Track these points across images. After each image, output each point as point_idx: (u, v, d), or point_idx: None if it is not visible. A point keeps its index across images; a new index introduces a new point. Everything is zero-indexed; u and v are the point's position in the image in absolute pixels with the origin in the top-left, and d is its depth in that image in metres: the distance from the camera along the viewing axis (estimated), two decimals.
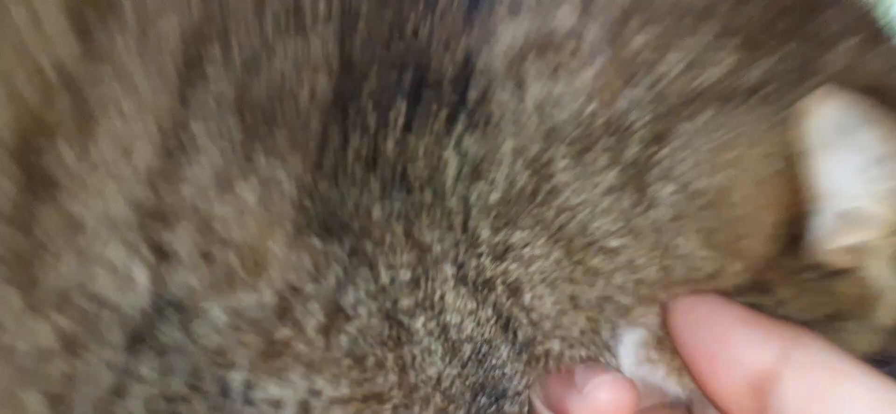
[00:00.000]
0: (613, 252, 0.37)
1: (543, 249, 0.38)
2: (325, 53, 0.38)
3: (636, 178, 0.36)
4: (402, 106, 0.38)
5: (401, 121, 0.38)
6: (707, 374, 0.35)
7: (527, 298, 0.38)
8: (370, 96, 0.38)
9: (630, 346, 0.39)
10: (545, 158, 0.37)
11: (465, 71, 0.39)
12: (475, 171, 0.38)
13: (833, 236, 0.35)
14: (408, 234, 0.38)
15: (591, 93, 0.37)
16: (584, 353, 0.39)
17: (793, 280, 0.36)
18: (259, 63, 0.38)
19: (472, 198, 0.38)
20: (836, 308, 0.37)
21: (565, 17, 0.38)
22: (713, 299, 0.36)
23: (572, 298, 0.38)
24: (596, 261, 0.37)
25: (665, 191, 0.36)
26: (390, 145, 0.38)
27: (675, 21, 0.37)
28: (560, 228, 0.37)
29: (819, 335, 0.34)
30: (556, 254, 0.38)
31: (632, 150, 0.36)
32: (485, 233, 0.38)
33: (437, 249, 0.38)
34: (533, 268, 0.38)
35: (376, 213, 0.38)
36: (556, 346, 0.39)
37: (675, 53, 0.36)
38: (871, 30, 0.39)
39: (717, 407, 0.36)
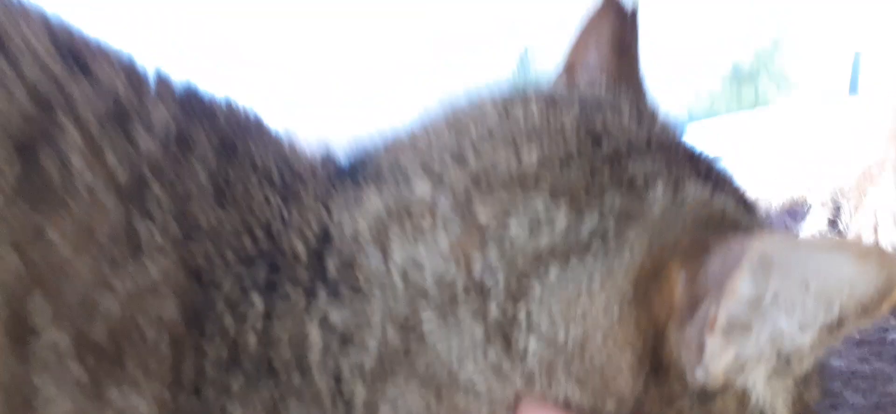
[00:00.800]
0: (479, 394, 0.39)
1: (415, 395, 0.39)
2: (166, 277, 0.39)
3: (502, 334, 0.38)
4: (258, 301, 0.39)
5: (259, 319, 0.39)
6: None
7: None
8: (226, 302, 0.39)
9: None
10: (413, 321, 0.39)
11: (321, 246, 0.41)
12: (346, 340, 0.39)
13: (706, 358, 0.37)
14: None
15: (447, 259, 0.39)
16: None
17: (671, 408, 0.38)
18: (94, 302, 0.38)
19: (345, 368, 0.39)
20: None
21: (420, 189, 0.41)
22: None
23: None
24: (463, 402, 0.39)
25: (531, 345, 0.38)
26: (253, 341, 0.39)
27: (511, 193, 0.40)
28: (431, 376, 0.39)
29: None
30: (428, 398, 0.39)
31: (493, 310, 0.38)
32: (360, 395, 0.39)
33: None
34: (407, 411, 0.39)
35: (256, 407, 0.39)
36: None
37: (515, 221, 0.39)
38: (679, 170, 0.41)
39: None
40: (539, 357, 0.38)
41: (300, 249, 0.41)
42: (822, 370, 0.43)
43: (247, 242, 0.41)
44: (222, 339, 0.39)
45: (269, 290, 0.40)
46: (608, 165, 0.40)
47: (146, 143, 0.41)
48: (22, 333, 0.37)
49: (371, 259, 0.40)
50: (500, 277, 0.39)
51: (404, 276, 0.39)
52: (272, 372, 0.39)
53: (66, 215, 0.38)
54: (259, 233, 0.41)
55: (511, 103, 0.45)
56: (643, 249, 0.38)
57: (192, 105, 0.43)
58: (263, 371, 0.39)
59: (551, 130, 0.42)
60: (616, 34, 0.51)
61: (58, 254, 0.38)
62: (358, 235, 0.41)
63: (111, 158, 0.40)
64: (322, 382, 0.39)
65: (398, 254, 0.40)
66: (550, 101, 0.45)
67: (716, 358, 0.37)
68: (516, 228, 0.39)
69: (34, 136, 0.39)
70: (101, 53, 0.42)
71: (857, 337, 1.11)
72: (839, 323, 0.35)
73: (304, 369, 0.39)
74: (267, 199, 0.42)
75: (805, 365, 0.39)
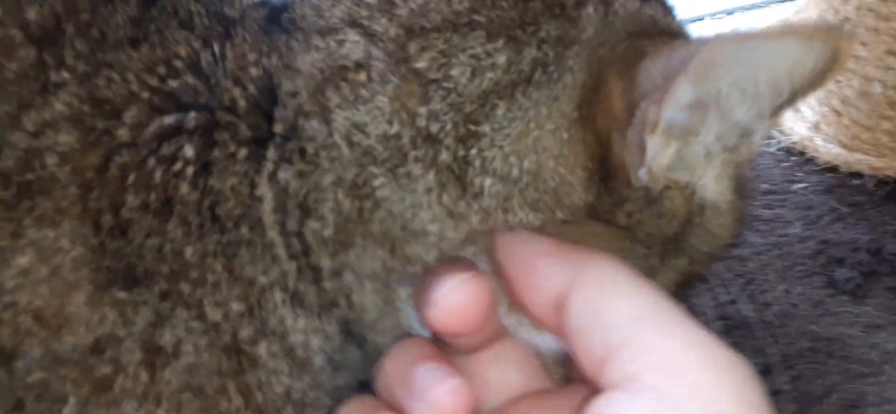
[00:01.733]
0: (428, 236, 0.40)
1: (373, 254, 0.40)
2: (69, 110, 0.38)
3: (456, 178, 0.39)
4: (189, 150, 0.39)
5: (191, 168, 0.39)
6: (523, 299, 0.39)
7: (355, 297, 0.41)
8: (143, 147, 0.39)
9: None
10: (362, 181, 0.39)
11: (265, 103, 0.40)
12: (304, 208, 0.39)
13: (648, 158, 0.38)
14: (229, 270, 0.39)
15: (390, 115, 0.39)
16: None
17: (622, 210, 0.39)
18: (4, 142, 0.38)
19: (309, 236, 0.39)
20: (677, 225, 0.40)
21: (351, 46, 0.40)
22: (522, 234, 0.39)
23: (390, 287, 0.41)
24: (416, 250, 0.40)
25: (488, 183, 0.39)
26: (185, 190, 0.39)
27: (447, 39, 0.39)
28: (385, 233, 0.39)
29: (609, 257, 0.38)
30: (383, 255, 0.40)
31: (444, 156, 0.39)
32: (325, 263, 0.40)
33: (262, 280, 0.40)
34: (362, 270, 0.40)
35: (188, 255, 0.39)
36: (386, 338, 0.42)
37: (457, 67, 0.39)
38: None
39: (537, 324, 0.40)
40: (495, 193, 0.39)
41: (239, 100, 0.40)
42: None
43: (172, 80, 0.40)
44: (142, 179, 0.39)
45: (203, 137, 0.39)
46: None
47: None
48: None
49: (314, 126, 0.39)
50: (448, 122, 0.39)
51: (349, 140, 0.39)
52: (216, 221, 0.39)
53: None
54: (187, 78, 0.40)
55: None
56: (582, 68, 0.39)
57: None
58: (206, 220, 0.39)
59: None
60: None
61: None
62: (298, 99, 0.40)
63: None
64: (277, 238, 0.40)
65: (339, 119, 0.39)
66: None
67: (657, 158, 0.37)
68: (458, 72, 0.39)
69: None
70: None
71: (765, 185, 1.20)
72: (788, 101, 0.36)
73: (253, 224, 0.39)
74: (190, 43, 0.41)
75: (753, 149, 0.39)
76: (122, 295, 0.38)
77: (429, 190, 0.39)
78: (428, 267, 0.40)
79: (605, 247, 0.39)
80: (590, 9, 0.39)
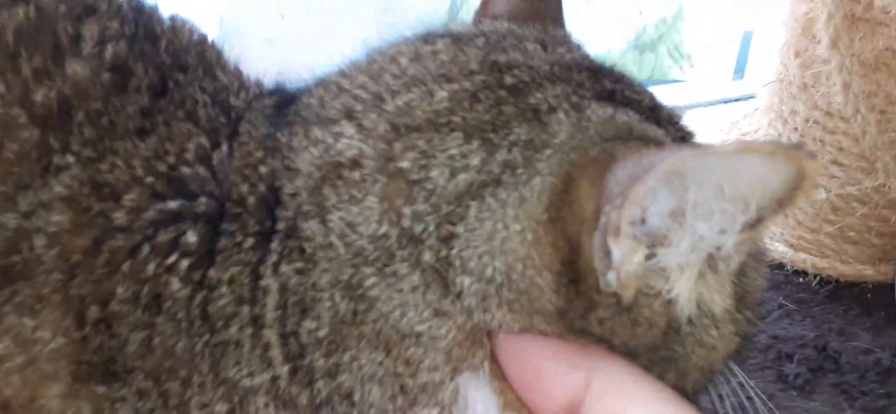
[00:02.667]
0: (421, 336, 0.40)
1: (369, 356, 0.40)
2: (66, 192, 0.38)
3: (438, 277, 0.40)
4: (193, 237, 0.39)
5: (189, 259, 0.39)
6: (531, 403, 0.40)
7: (357, 397, 0.40)
8: (138, 233, 0.38)
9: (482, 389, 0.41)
10: (356, 281, 0.40)
11: (270, 197, 0.40)
12: (302, 307, 0.39)
13: (614, 262, 0.38)
14: (215, 371, 0.39)
15: (380, 215, 0.40)
16: None
17: (594, 316, 0.39)
18: None
19: (304, 336, 0.40)
20: (657, 335, 0.40)
21: (348, 146, 0.41)
22: (527, 338, 0.40)
23: (402, 386, 0.40)
24: (411, 352, 0.40)
25: (467, 282, 0.39)
26: (177, 284, 0.38)
27: (427, 136, 0.40)
28: (378, 334, 0.40)
29: (620, 358, 0.38)
30: (380, 357, 0.40)
31: (427, 256, 0.40)
32: (319, 363, 0.40)
33: (245, 384, 0.39)
34: (362, 373, 0.40)
35: (178, 352, 0.38)
36: None
37: (436, 168, 0.40)
38: (581, 93, 0.42)
39: None
40: (474, 291, 0.39)
41: (249, 197, 0.40)
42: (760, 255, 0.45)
43: (180, 169, 0.40)
44: (134, 268, 0.38)
45: (210, 227, 0.39)
46: (513, 98, 0.41)
47: (75, 70, 0.40)
48: None
49: (313, 227, 0.40)
50: (430, 222, 0.39)
51: (343, 240, 0.40)
52: (206, 319, 0.39)
53: None
54: (197, 167, 0.40)
55: (421, 45, 0.45)
56: (553, 171, 0.39)
57: (136, 27, 0.43)
58: (196, 318, 0.38)
59: (458, 68, 0.42)
60: None
61: None
62: (297, 199, 0.40)
63: (30, 79, 0.39)
64: (274, 338, 0.39)
65: (335, 219, 0.40)
66: (456, 38, 0.45)
67: (623, 263, 0.37)
68: (437, 173, 0.40)
69: None
70: None
71: None
72: (758, 220, 0.36)
73: (244, 324, 0.39)
74: (198, 137, 0.41)
75: (732, 265, 0.40)
76: (100, 390, 0.38)
77: (414, 289, 0.39)
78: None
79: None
80: (561, 115, 0.40)
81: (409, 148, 0.40)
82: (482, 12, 0.52)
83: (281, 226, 0.40)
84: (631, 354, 0.40)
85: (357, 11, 0.94)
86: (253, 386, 0.39)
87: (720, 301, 0.41)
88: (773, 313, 1.10)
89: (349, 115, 0.42)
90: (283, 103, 0.45)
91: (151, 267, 0.38)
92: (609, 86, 0.44)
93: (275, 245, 0.40)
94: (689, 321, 0.41)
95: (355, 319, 0.40)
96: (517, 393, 0.40)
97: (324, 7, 0.94)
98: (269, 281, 0.40)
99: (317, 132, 0.42)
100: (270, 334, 0.39)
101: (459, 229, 0.39)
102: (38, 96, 0.39)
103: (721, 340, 0.42)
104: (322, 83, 0.46)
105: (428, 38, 0.47)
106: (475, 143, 0.40)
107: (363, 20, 0.97)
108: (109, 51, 0.41)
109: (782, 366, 1.00)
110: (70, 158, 0.39)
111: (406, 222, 0.40)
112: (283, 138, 0.42)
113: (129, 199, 0.39)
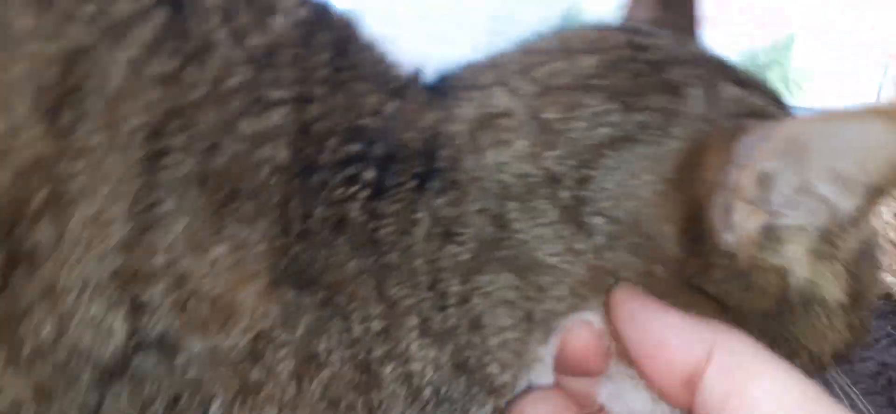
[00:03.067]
0: (553, 268, 0.44)
1: (504, 280, 0.44)
2: (282, 127, 0.43)
3: (573, 215, 0.44)
4: (371, 173, 0.43)
5: (367, 190, 0.43)
6: (647, 370, 0.41)
7: (486, 320, 0.44)
8: (333, 168, 0.43)
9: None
10: (502, 212, 0.44)
11: (433, 143, 0.45)
12: (446, 234, 0.44)
13: (734, 223, 0.41)
14: (378, 290, 0.43)
15: (526, 157, 0.45)
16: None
17: (711, 275, 0.42)
18: (220, 143, 0.42)
19: (444, 262, 0.44)
20: (770, 303, 0.43)
21: (501, 99, 0.47)
22: (650, 307, 0.42)
23: (528, 312, 0.44)
24: (544, 280, 0.44)
25: (596, 221, 0.44)
26: (356, 212, 0.43)
27: (571, 98, 0.46)
28: (515, 260, 0.44)
29: (744, 334, 0.39)
30: (515, 282, 0.44)
31: (564, 194, 0.44)
32: (454, 288, 0.44)
33: (403, 304, 0.43)
34: (494, 297, 0.44)
35: (349, 270, 0.42)
36: (504, 370, 0.45)
37: (578, 121, 0.45)
38: (714, 75, 0.47)
39: (659, 396, 0.42)
40: (604, 231, 0.43)
41: (414, 140, 0.45)
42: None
43: (361, 120, 0.45)
44: (328, 203, 0.43)
45: (382, 168, 0.44)
46: (652, 71, 0.46)
47: (279, 22, 0.45)
48: (157, 150, 0.41)
49: (469, 161, 0.45)
50: (569, 165, 0.44)
51: (495, 176, 0.45)
52: (375, 243, 0.43)
53: (207, 63, 0.43)
54: (372, 118, 0.45)
55: (569, 30, 0.52)
56: (684, 137, 0.43)
57: (317, 8, 0.48)
58: (368, 241, 0.43)
59: (603, 44, 0.48)
60: None
61: (196, 94, 0.42)
62: (457, 140, 0.46)
63: (245, 27, 0.44)
64: (422, 265, 0.44)
65: (490, 157, 0.45)
66: (601, 24, 0.52)
67: (743, 223, 0.41)
68: (579, 123, 0.45)
69: None
70: None
71: None
72: (877, 188, 0.38)
73: (404, 250, 0.43)
74: (374, 91, 0.46)
75: (848, 243, 0.42)
76: (289, 294, 0.42)
77: (552, 223, 0.44)
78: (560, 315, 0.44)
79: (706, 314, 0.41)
80: (695, 90, 0.45)
81: (555, 103, 0.46)
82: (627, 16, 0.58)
83: (442, 164, 0.45)
84: (743, 321, 0.41)
85: (468, 19, 0.96)
86: (406, 307, 0.43)
87: (834, 291, 0.43)
88: (881, 341, 1.07)
89: (500, 82, 0.47)
90: (433, 81, 0.50)
91: (338, 193, 0.43)
92: (740, 74, 0.48)
93: (432, 183, 0.44)
94: (803, 301, 0.42)
95: (498, 244, 0.44)
96: (634, 359, 0.41)
97: (435, 14, 0.97)
98: (422, 214, 0.44)
99: (472, 93, 0.47)
100: (419, 262, 0.43)
101: (595, 173, 0.44)
102: (254, 41, 0.44)
103: (832, 331, 0.43)
104: (468, 66, 0.51)
105: (577, 27, 0.52)
106: (615, 104, 0.45)
107: (473, 28, 0.99)
108: (302, 12, 0.47)
109: (892, 392, 0.97)
110: (282, 94, 0.43)
111: (548, 163, 0.44)
112: (439, 99, 0.47)
113: (330, 143, 0.44)
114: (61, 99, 0.40)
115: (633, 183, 0.43)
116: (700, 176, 0.42)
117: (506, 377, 0.45)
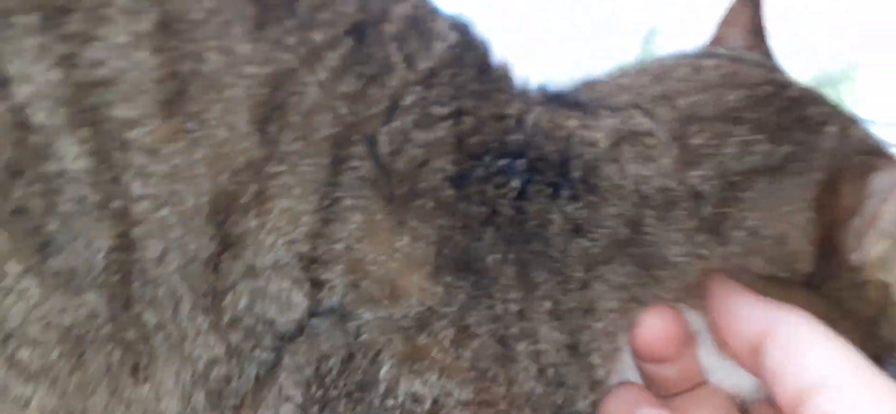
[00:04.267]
0: (677, 265, 0.50)
1: (625, 270, 0.50)
2: (447, 143, 0.50)
3: (712, 227, 0.50)
4: (516, 182, 0.50)
5: (513, 194, 0.50)
6: (724, 338, 0.48)
7: (599, 305, 0.50)
8: (486, 177, 0.50)
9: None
10: (638, 217, 0.50)
11: (567, 154, 0.52)
12: (576, 229, 0.50)
13: (863, 246, 0.49)
14: (519, 275, 0.49)
15: (669, 173, 0.51)
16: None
17: (831, 285, 0.50)
18: (400, 150, 0.49)
19: (573, 251, 0.50)
20: (873, 311, 0.51)
21: (642, 120, 0.53)
22: (727, 283, 0.49)
23: (635, 296, 0.50)
24: (661, 273, 0.50)
25: (737, 234, 0.50)
26: (505, 207, 0.50)
27: (718, 127, 0.52)
28: (643, 257, 0.50)
29: (804, 311, 0.46)
30: (635, 270, 0.50)
31: (707, 209, 0.50)
32: (578, 274, 0.50)
33: (541, 289, 0.50)
34: (611, 282, 0.50)
35: (493, 258, 0.49)
36: (603, 362, 0.50)
37: (727, 148, 0.51)
38: (842, 115, 0.55)
39: (735, 360, 0.48)
40: (742, 243, 0.50)
41: (552, 153, 0.52)
42: None
43: (508, 133, 0.52)
44: (481, 202, 0.50)
45: (526, 178, 0.51)
46: (793, 108, 0.53)
47: (439, 47, 0.53)
48: (343, 163, 0.48)
49: (610, 170, 0.51)
50: (715, 186, 0.50)
51: (635, 186, 0.51)
52: (521, 235, 0.50)
53: (386, 83, 0.50)
54: (517, 134, 0.52)
55: (699, 60, 0.58)
56: (822, 169, 0.50)
57: (461, 30, 0.55)
58: (515, 232, 0.50)
59: (746, 80, 0.55)
60: (754, 20, 0.65)
61: (377, 109, 0.49)
62: (595, 149, 0.52)
63: (415, 53, 0.51)
64: (557, 254, 0.50)
65: (632, 169, 0.51)
66: (733, 58, 0.58)
67: (870, 248, 0.49)
68: (728, 151, 0.51)
69: (364, 22, 0.51)
70: None
71: None
72: None
73: (544, 241, 0.50)
74: (515, 106, 0.53)
75: None
76: (448, 279, 0.48)
77: (687, 232, 0.50)
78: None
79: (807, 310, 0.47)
80: (831, 127, 0.52)
81: (702, 131, 0.52)
82: (716, 44, 0.65)
83: (575, 174, 0.51)
84: (845, 319, 0.49)
85: (548, 45, 1.02)
86: (542, 293, 0.50)
87: None
88: None
89: (637, 105, 0.54)
90: (547, 93, 0.57)
91: (490, 195, 0.50)
92: (855, 115, 0.56)
93: (565, 190, 0.51)
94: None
95: (629, 242, 0.50)
96: (715, 328, 0.49)
97: (513, 43, 1.03)
98: (555, 215, 0.50)
99: (607, 112, 0.54)
100: (554, 252, 0.50)
101: (744, 195, 0.50)
102: (422, 66, 0.51)
103: None
104: (588, 84, 0.58)
105: (703, 55, 0.60)
106: (762, 136, 0.52)
107: (553, 54, 1.05)
108: (454, 36, 0.54)
109: None
110: (444, 110, 0.51)
111: (693, 182, 0.51)
112: (573, 111, 0.54)
113: (485, 159, 0.51)
114: (270, 113, 0.47)
115: (784, 208, 0.50)
116: (838, 203, 0.49)
117: (602, 372, 0.51)
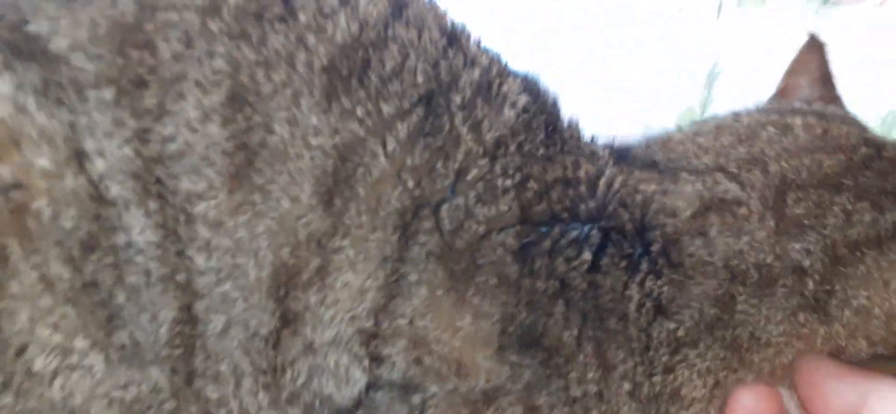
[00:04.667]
0: (771, 346, 0.47)
1: (713, 354, 0.47)
2: (507, 213, 0.48)
3: (815, 305, 0.46)
4: (587, 254, 0.47)
5: (584, 267, 0.47)
6: (814, 412, 0.45)
7: (684, 392, 0.47)
8: (554, 249, 0.47)
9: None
10: (728, 296, 0.47)
11: (645, 222, 0.49)
12: (659, 308, 0.47)
13: None
14: (597, 354, 0.47)
15: (765, 247, 0.47)
16: None
17: None
18: (462, 227, 0.47)
19: (656, 333, 0.47)
20: None
21: (729, 186, 0.49)
22: (816, 357, 0.46)
23: (718, 382, 0.47)
24: (756, 357, 0.47)
25: (845, 314, 0.46)
26: (577, 281, 0.47)
27: (819, 195, 0.48)
28: (734, 339, 0.47)
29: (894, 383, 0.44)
30: (724, 354, 0.47)
31: (809, 286, 0.47)
32: (664, 358, 0.47)
33: (620, 369, 0.47)
34: (697, 369, 0.47)
35: (567, 334, 0.47)
36: None
37: (831, 217, 0.47)
38: None
39: None
40: (847, 322, 0.46)
41: (627, 224, 0.49)
42: None
43: (577, 205, 0.49)
44: (549, 277, 0.47)
45: (599, 250, 0.48)
46: (892, 169, 0.49)
47: (508, 114, 0.50)
48: (409, 230, 0.47)
49: (695, 244, 0.48)
50: (818, 260, 0.47)
51: (726, 263, 0.47)
52: (598, 312, 0.47)
53: (453, 155, 0.48)
54: (589, 202, 0.49)
55: (785, 119, 0.54)
56: None
57: (531, 90, 0.53)
58: (590, 309, 0.47)
59: (842, 143, 0.51)
60: (822, 67, 0.62)
61: (440, 184, 0.47)
62: (677, 218, 0.48)
63: (482, 122, 0.49)
64: (636, 333, 0.47)
65: (721, 243, 0.47)
66: (820, 115, 0.54)
67: None
68: (832, 221, 0.47)
69: (434, 92, 0.49)
70: (465, 35, 0.52)
71: None
72: None
73: (620, 317, 0.47)
74: (585, 168, 0.50)
75: None
76: (514, 357, 0.47)
77: (787, 310, 0.47)
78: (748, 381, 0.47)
79: None
80: None
81: (802, 199, 0.48)
82: (785, 95, 0.62)
83: (655, 247, 0.48)
84: None
85: (557, 35, 1.01)
86: (621, 372, 0.48)
87: None
88: None
89: (722, 169, 0.50)
90: (617, 151, 0.54)
91: (560, 270, 0.48)
92: None
93: (643, 264, 0.48)
94: None
95: (717, 323, 0.47)
96: (803, 404, 0.46)
97: (526, 33, 1.02)
98: (633, 290, 0.47)
99: (688, 176, 0.50)
100: (633, 331, 0.48)
101: (853, 270, 0.47)
102: (489, 136, 0.49)
103: None
104: (659, 140, 0.55)
105: (788, 112, 0.55)
106: (866, 203, 0.48)
107: (566, 44, 1.04)
108: (523, 99, 0.51)
109: None
110: (509, 182, 0.49)
111: (795, 255, 0.47)
112: (650, 174, 0.51)
113: (555, 230, 0.48)
114: (335, 185, 0.46)
115: (895, 283, 0.46)
116: None
117: None
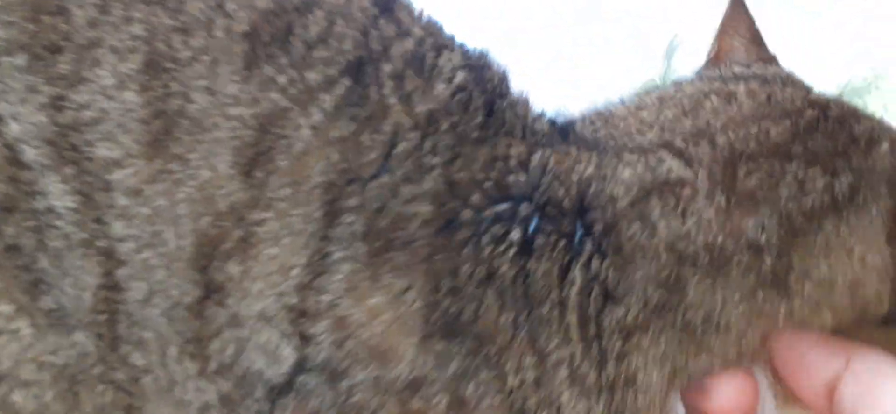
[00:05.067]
0: (732, 329, 0.44)
1: (667, 339, 0.45)
2: (432, 187, 0.46)
3: (775, 281, 0.44)
4: (516, 234, 0.45)
5: (513, 249, 0.45)
6: (794, 387, 0.44)
7: (640, 378, 0.45)
8: (479, 225, 0.45)
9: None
10: (676, 278, 0.44)
11: (583, 202, 0.46)
12: (606, 295, 0.45)
13: None
14: (532, 342, 0.45)
15: (717, 227, 0.44)
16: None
17: None
18: (387, 205, 0.45)
19: (607, 321, 0.45)
20: None
21: (673, 164, 0.46)
22: (793, 332, 0.44)
23: (678, 369, 0.45)
24: (713, 340, 0.45)
25: (806, 287, 0.44)
26: (505, 268, 0.45)
27: (770, 165, 0.45)
28: (686, 323, 0.45)
29: (876, 348, 0.42)
30: (680, 340, 0.45)
31: (767, 262, 0.44)
32: (616, 346, 0.45)
33: (554, 356, 0.45)
34: (651, 355, 0.45)
35: (499, 322, 0.45)
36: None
37: (784, 187, 0.45)
38: (887, 129, 0.49)
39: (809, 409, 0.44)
40: (809, 296, 0.44)
41: (564, 198, 0.46)
42: None
43: (508, 175, 0.47)
44: (476, 261, 0.45)
45: (531, 229, 0.45)
46: (840, 130, 0.47)
47: (440, 88, 0.48)
48: (334, 207, 0.45)
49: (633, 229, 0.45)
50: (774, 234, 0.44)
51: (670, 246, 0.44)
52: (526, 297, 0.45)
53: (381, 128, 0.46)
54: (520, 175, 0.47)
55: (727, 87, 0.51)
56: (888, 194, 0.45)
57: (471, 62, 0.50)
58: (520, 295, 0.45)
59: (787, 108, 0.48)
60: (751, 27, 0.59)
61: (370, 156, 0.46)
62: (617, 203, 0.46)
63: (413, 93, 0.47)
64: (574, 320, 0.45)
65: (663, 226, 0.45)
66: (763, 80, 0.51)
67: None
68: (786, 191, 0.45)
69: (363, 60, 0.47)
70: (399, 5, 0.50)
71: None
72: None
73: (554, 304, 0.45)
74: (518, 143, 0.48)
75: None
76: (440, 346, 0.45)
77: (745, 290, 0.44)
78: (708, 374, 0.45)
79: (881, 347, 0.44)
80: (885, 146, 0.47)
81: (753, 171, 0.45)
82: (717, 60, 0.59)
83: (597, 227, 0.46)
84: None
85: (525, 33, 1.00)
86: (558, 358, 0.45)
87: None
88: None
89: (667, 145, 0.48)
90: (560, 129, 0.52)
91: (486, 252, 0.45)
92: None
93: (587, 244, 0.46)
94: None
95: (668, 307, 0.44)
96: (782, 376, 0.45)
97: (495, 31, 1.01)
98: (576, 274, 0.45)
99: (630, 156, 0.47)
100: (572, 317, 0.45)
101: (811, 240, 0.44)
102: (420, 108, 0.47)
103: None
104: (602, 115, 0.52)
105: (730, 79, 0.53)
106: (818, 168, 0.45)
107: (534, 42, 1.03)
108: (461, 76, 0.49)
109: None
110: (437, 159, 0.46)
111: (749, 233, 0.44)
112: (589, 154, 0.48)
113: (473, 199, 0.46)
114: (256, 156, 0.45)
115: (858, 249, 0.44)
116: None
117: None
